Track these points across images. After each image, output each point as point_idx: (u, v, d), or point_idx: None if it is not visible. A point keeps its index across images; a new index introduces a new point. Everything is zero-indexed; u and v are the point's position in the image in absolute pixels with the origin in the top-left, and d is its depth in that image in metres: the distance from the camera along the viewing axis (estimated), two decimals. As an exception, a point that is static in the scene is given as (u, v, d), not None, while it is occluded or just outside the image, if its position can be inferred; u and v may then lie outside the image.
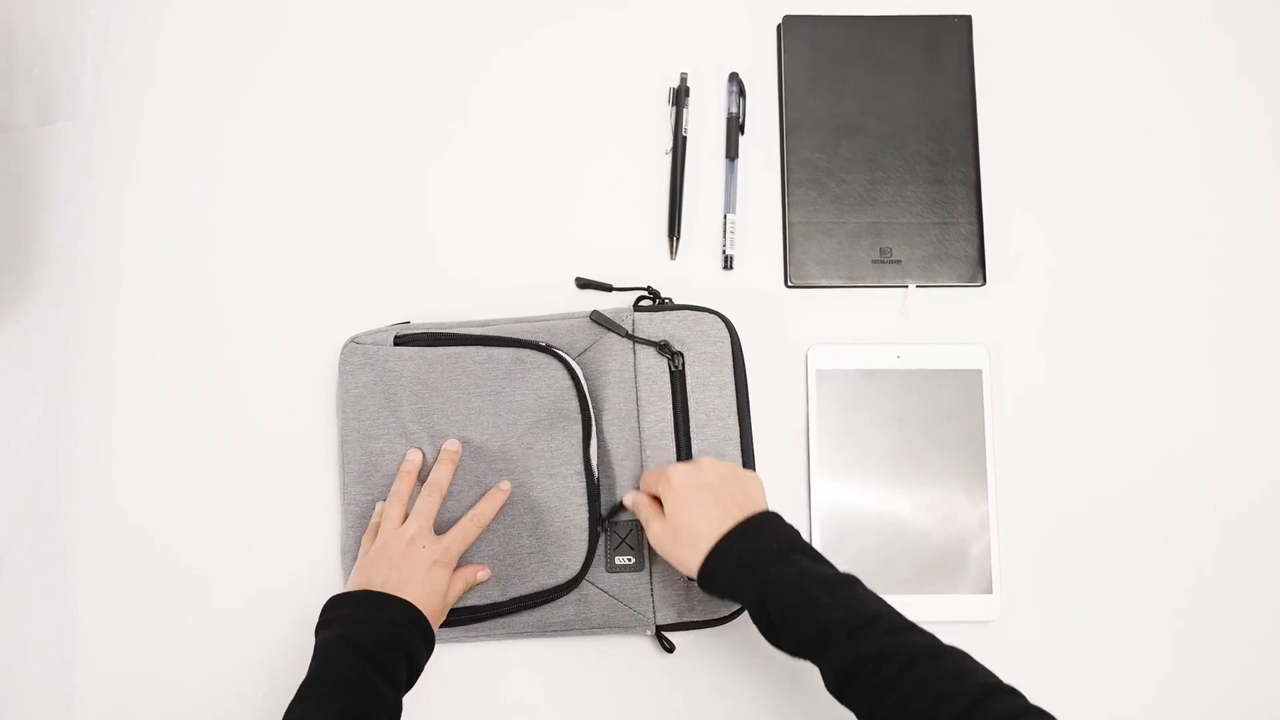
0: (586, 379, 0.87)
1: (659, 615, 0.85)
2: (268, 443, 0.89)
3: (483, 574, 0.84)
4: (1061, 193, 0.94)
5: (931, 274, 0.92)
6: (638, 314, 0.88)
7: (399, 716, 0.72)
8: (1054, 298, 0.93)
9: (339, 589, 0.85)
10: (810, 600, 0.70)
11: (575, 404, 0.86)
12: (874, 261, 0.92)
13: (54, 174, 0.92)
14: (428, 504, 0.82)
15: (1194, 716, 0.87)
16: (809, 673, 0.82)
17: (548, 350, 0.86)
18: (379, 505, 0.85)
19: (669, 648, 0.85)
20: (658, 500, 0.81)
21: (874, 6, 0.96)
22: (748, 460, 0.87)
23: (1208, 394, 0.91)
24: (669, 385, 0.87)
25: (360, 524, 0.85)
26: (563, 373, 0.86)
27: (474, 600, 0.84)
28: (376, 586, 0.76)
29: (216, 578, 0.88)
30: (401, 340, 0.87)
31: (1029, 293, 0.93)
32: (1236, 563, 0.89)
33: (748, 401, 0.88)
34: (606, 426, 0.87)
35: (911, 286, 0.92)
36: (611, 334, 0.88)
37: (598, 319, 0.87)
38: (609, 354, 0.88)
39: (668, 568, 0.84)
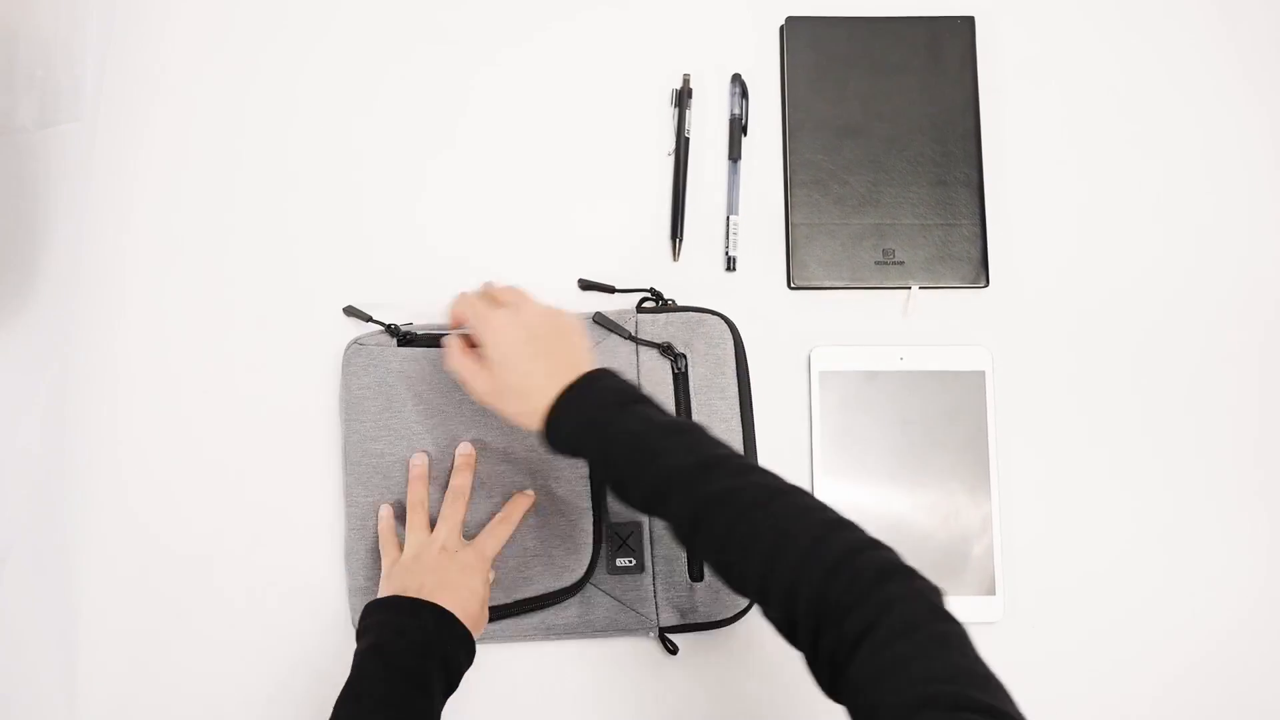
0: None
1: (662, 617, 0.85)
2: (273, 443, 0.89)
3: (492, 574, 0.83)
4: (1064, 194, 0.94)
5: (934, 275, 0.92)
6: (640, 316, 0.88)
7: (438, 714, 0.72)
8: (1057, 299, 0.93)
9: (343, 589, 0.86)
10: (652, 448, 0.68)
11: None
12: (877, 263, 0.92)
13: (57, 176, 0.92)
14: (454, 510, 0.82)
15: (1198, 716, 0.87)
16: (808, 676, 0.81)
17: None
18: (383, 509, 0.85)
19: (672, 649, 0.85)
20: (468, 342, 0.77)
21: (877, 8, 0.96)
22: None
23: (1213, 394, 0.91)
24: (672, 387, 0.87)
25: (363, 526, 0.85)
26: (565, 374, 0.86)
27: None
28: (411, 593, 0.75)
29: (221, 577, 0.88)
30: (406, 341, 0.87)
31: (1032, 294, 0.92)
32: (1240, 563, 0.89)
33: (750, 403, 0.88)
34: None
35: (914, 288, 0.92)
36: (614, 335, 0.88)
37: (600, 320, 0.87)
38: (612, 356, 0.88)
39: (670, 570, 0.85)
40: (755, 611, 0.85)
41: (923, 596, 0.60)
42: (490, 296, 0.79)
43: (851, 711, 0.58)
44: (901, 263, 0.92)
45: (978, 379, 0.90)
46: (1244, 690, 0.87)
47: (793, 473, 0.87)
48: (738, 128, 0.94)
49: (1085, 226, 0.94)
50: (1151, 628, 0.88)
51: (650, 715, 0.85)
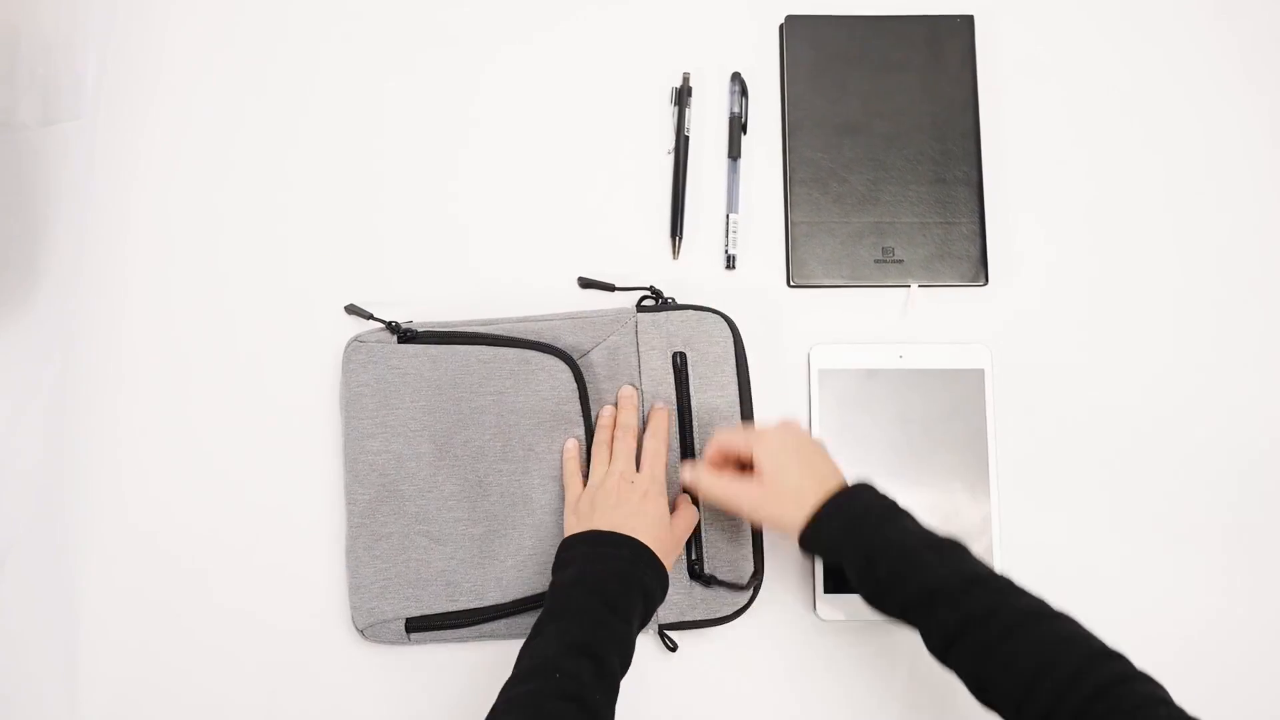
0: (591, 380, 0.88)
1: (661, 614, 0.85)
2: (275, 441, 0.90)
3: (693, 515, 0.84)
4: (1063, 192, 0.94)
5: (934, 274, 0.92)
6: (640, 314, 0.88)
7: (631, 648, 0.74)
8: (1056, 297, 0.93)
9: (343, 586, 0.86)
10: (917, 560, 0.71)
11: (578, 406, 0.86)
12: (876, 261, 0.93)
13: (58, 174, 0.92)
14: (626, 444, 0.84)
15: (1197, 704, 0.87)
16: (808, 673, 0.82)
17: (553, 351, 0.87)
18: (569, 442, 0.86)
19: (672, 646, 0.85)
20: (735, 465, 0.82)
21: (876, 6, 0.96)
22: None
23: (1211, 392, 0.91)
24: (673, 388, 0.88)
25: (361, 522, 0.85)
26: (567, 375, 0.86)
27: (475, 602, 0.84)
28: (604, 528, 0.78)
29: (222, 575, 0.88)
30: (406, 338, 0.87)
31: (1031, 292, 0.93)
32: (1241, 562, 0.89)
33: (750, 401, 0.88)
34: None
35: (914, 286, 0.92)
36: (615, 335, 0.88)
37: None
38: (613, 355, 0.88)
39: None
40: (753, 610, 0.85)
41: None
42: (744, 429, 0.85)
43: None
44: (901, 261, 0.92)
45: (977, 377, 0.90)
46: (1244, 688, 0.87)
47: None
48: (737, 126, 0.94)
49: (1084, 224, 0.94)
50: (1150, 626, 0.88)
51: (649, 712, 0.85)
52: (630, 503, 0.80)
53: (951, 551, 0.73)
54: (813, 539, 0.75)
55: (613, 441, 0.85)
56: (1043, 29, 0.97)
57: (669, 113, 0.95)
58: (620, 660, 0.73)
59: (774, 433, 0.80)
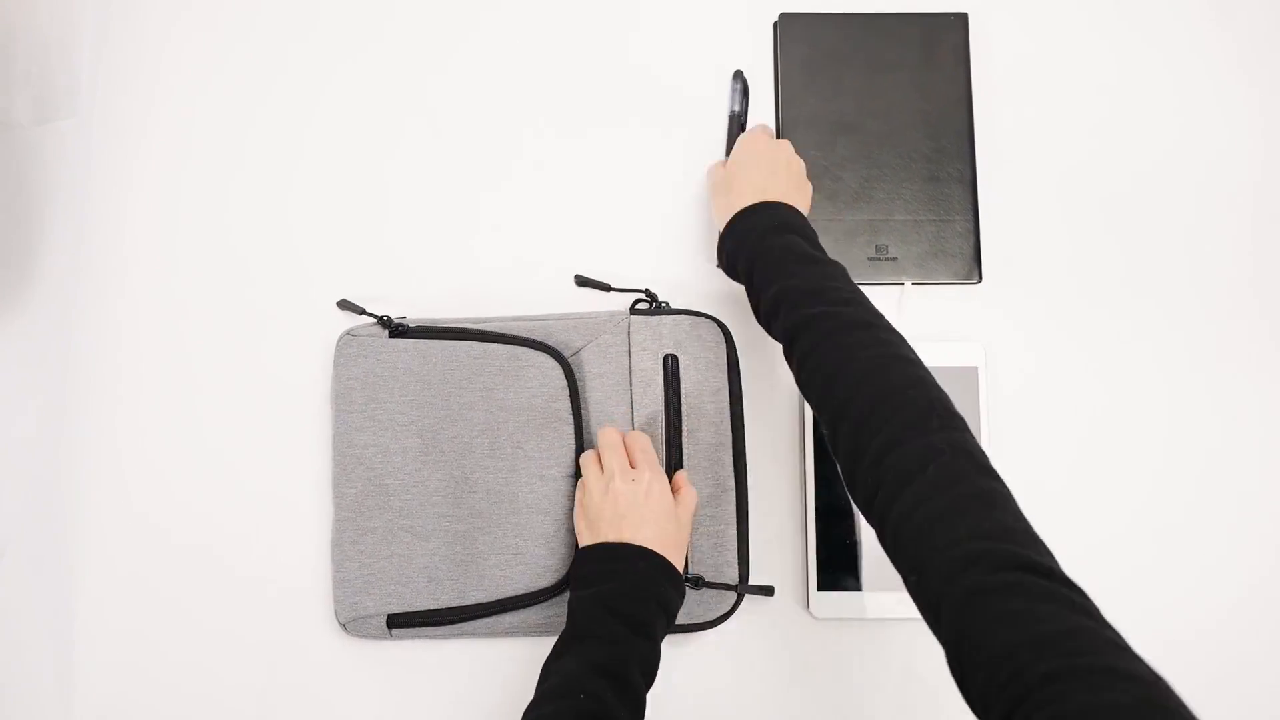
0: (580, 378, 0.87)
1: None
2: (269, 435, 0.90)
3: (694, 493, 0.83)
4: (1057, 190, 0.94)
5: (927, 271, 0.92)
6: (634, 317, 0.88)
7: (655, 661, 0.74)
8: (1049, 295, 0.92)
9: (330, 582, 0.86)
10: (783, 270, 0.74)
11: (568, 405, 0.86)
12: (870, 259, 0.92)
13: (53, 172, 0.92)
14: (615, 453, 0.82)
15: (1191, 698, 0.87)
16: (802, 670, 0.82)
17: (544, 348, 0.87)
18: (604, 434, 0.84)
19: None
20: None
21: (870, 4, 0.96)
22: (739, 469, 0.86)
23: (1205, 389, 0.91)
24: (663, 389, 0.87)
25: (348, 516, 0.85)
26: (557, 372, 0.86)
27: (457, 600, 0.84)
28: (611, 538, 0.77)
29: (217, 568, 0.88)
30: (397, 333, 0.87)
31: (1024, 290, 0.92)
32: (1238, 557, 0.89)
33: (741, 407, 0.88)
34: (597, 427, 0.87)
35: (907, 284, 0.92)
36: (606, 334, 0.88)
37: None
38: (604, 354, 0.88)
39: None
40: (747, 607, 0.85)
41: (964, 449, 0.60)
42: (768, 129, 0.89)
43: (894, 559, 0.60)
44: (895, 259, 0.92)
45: (970, 375, 0.89)
46: (1242, 685, 0.86)
47: (787, 470, 0.89)
48: (736, 125, 0.94)
49: (1078, 222, 0.94)
50: (1147, 624, 0.87)
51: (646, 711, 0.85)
52: (636, 507, 0.78)
53: (818, 265, 0.74)
54: (726, 236, 0.80)
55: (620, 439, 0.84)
56: (1036, 26, 0.97)
57: (667, 110, 0.95)
58: (643, 675, 0.73)
59: (764, 138, 0.85)
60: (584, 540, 0.80)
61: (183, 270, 0.93)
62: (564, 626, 0.75)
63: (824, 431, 0.68)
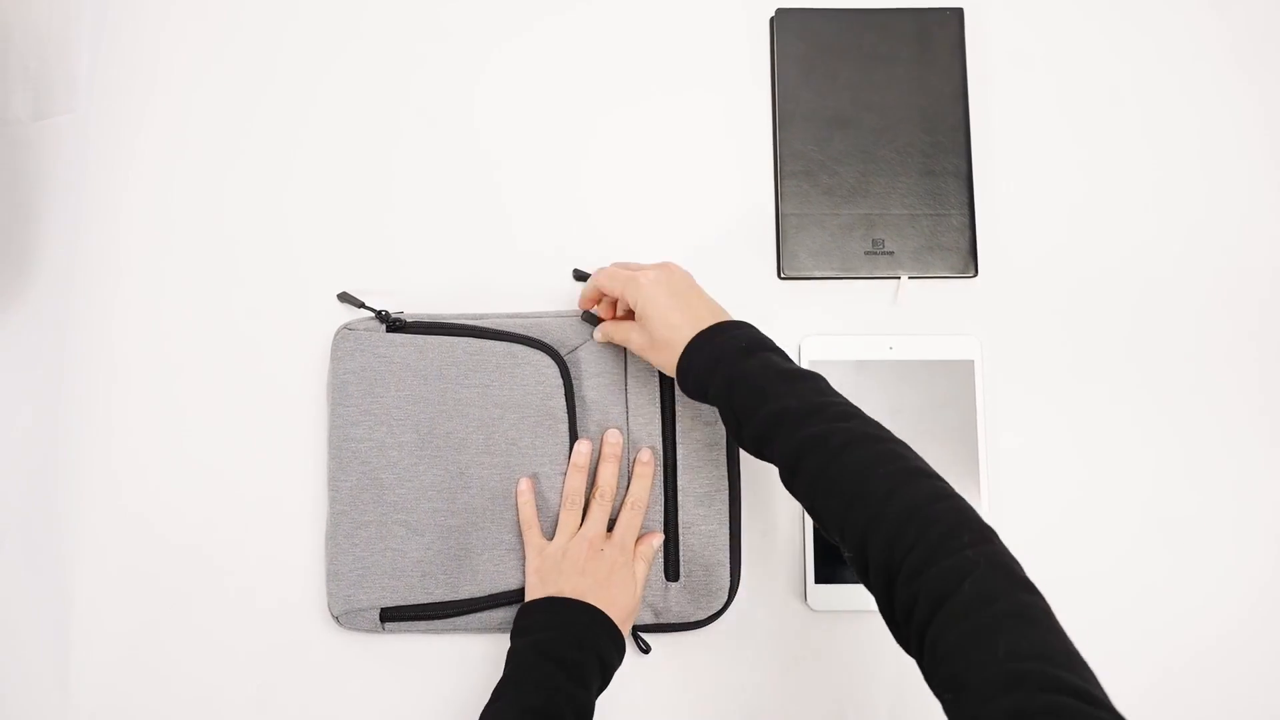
0: (576, 376, 0.87)
1: (639, 615, 0.85)
2: (266, 429, 0.90)
3: (657, 541, 0.84)
4: (1053, 183, 0.94)
5: (924, 265, 0.92)
6: None
7: (590, 712, 0.74)
8: (1046, 288, 0.92)
9: (324, 575, 0.86)
10: (768, 391, 0.71)
11: (563, 403, 0.86)
12: (866, 253, 0.92)
13: (51, 168, 0.93)
14: (601, 509, 0.83)
15: (1187, 701, 0.87)
16: (800, 663, 0.82)
17: (540, 346, 0.87)
18: (522, 483, 0.84)
19: (645, 649, 0.85)
20: (625, 315, 0.83)
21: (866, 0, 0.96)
22: (733, 468, 0.86)
23: (1204, 383, 0.91)
24: (658, 389, 0.87)
25: (343, 510, 0.85)
26: (553, 370, 0.86)
27: (450, 595, 0.84)
28: (566, 594, 0.78)
29: (213, 563, 0.88)
30: (395, 327, 0.87)
31: (1021, 284, 0.92)
32: (1230, 551, 0.89)
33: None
34: (591, 426, 0.87)
35: (904, 278, 0.92)
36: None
37: (589, 319, 0.87)
38: (600, 353, 0.88)
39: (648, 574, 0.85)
40: (727, 615, 0.85)
41: (1001, 563, 0.59)
42: (628, 266, 0.84)
43: (931, 678, 0.58)
44: (891, 253, 0.92)
45: (967, 368, 0.89)
46: (1239, 682, 0.86)
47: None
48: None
49: (1074, 215, 0.93)
50: (1142, 617, 0.88)
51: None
52: (596, 573, 0.79)
53: (805, 381, 0.71)
54: (684, 376, 0.76)
55: (586, 496, 0.84)
56: (1032, 20, 0.97)
57: (656, 106, 0.95)
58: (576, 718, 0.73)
59: (649, 275, 0.79)
60: (532, 594, 0.81)
61: (180, 264, 0.93)
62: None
63: (846, 553, 0.66)
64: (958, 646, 0.56)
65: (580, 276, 0.91)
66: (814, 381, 0.72)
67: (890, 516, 0.62)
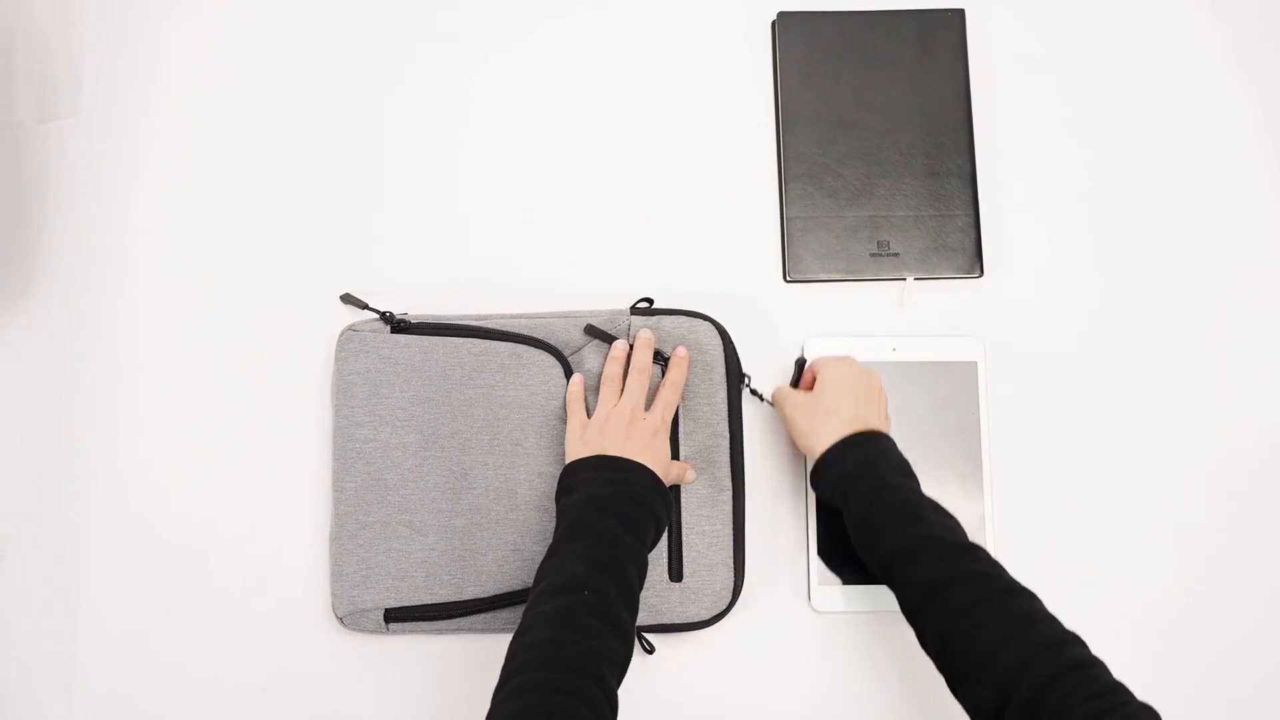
0: None
1: (642, 615, 0.84)
2: (271, 430, 0.90)
3: (690, 474, 0.85)
4: (1057, 184, 0.94)
5: (929, 266, 0.92)
6: (634, 316, 0.88)
7: (645, 568, 0.75)
8: (1050, 289, 0.92)
9: (329, 575, 0.86)
10: (920, 515, 0.75)
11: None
12: (872, 254, 0.92)
13: (55, 171, 0.92)
14: (639, 382, 0.84)
15: (1186, 701, 0.86)
16: (803, 663, 0.81)
17: (544, 347, 0.86)
18: (576, 376, 0.86)
19: (649, 649, 0.85)
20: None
21: (868, 1, 0.96)
22: (736, 470, 0.86)
23: (1206, 385, 0.91)
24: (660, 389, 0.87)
25: (348, 510, 0.85)
26: (558, 370, 0.86)
27: (454, 595, 0.84)
28: (613, 454, 0.79)
29: (217, 564, 0.88)
30: (399, 329, 0.87)
31: (1025, 284, 0.92)
32: (1231, 554, 0.88)
33: (739, 408, 0.87)
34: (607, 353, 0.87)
35: (909, 279, 0.92)
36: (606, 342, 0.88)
37: (591, 332, 0.87)
38: (604, 353, 0.87)
39: (649, 569, 0.84)
40: (731, 615, 0.84)
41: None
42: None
43: None
44: (896, 254, 0.92)
45: (970, 369, 0.89)
46: (1237, 678, 0.86)
47: (788, 464, 0.89)
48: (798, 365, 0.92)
49: (1078, 216, 0.94)
50: (1142, 616, 0.88)
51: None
52: (641, 437, 0.80)
53: (951, 520, 0.75)
54: (831, 465, 0.79)
55: (624, 377, 0.85)
56: (1034, 21, 0.97)
57: (655, 111, 0.95)
58: (639, 577, 0.74)
59: (848, 362, 0.85)
60: (574, 457, 0.81)
61: (183, 266, 0.93)
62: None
63: (969, 690, 0.68)
64: None
65: (592, 332, 0.89)
66: (958, 524, 0.76)
67: (1054, 666, 0.64)
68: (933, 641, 0.71)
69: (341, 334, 0.88)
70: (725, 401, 0.87)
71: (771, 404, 0.88)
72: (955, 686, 0.69)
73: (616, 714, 0.67)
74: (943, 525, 0.74)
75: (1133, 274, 0.93)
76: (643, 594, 0.83)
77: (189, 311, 0.92)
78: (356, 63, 0.96)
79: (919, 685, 0.85)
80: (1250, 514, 0.89)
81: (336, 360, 0.88)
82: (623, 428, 0.80)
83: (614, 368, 0.85)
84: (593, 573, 0.71)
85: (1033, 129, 0.95)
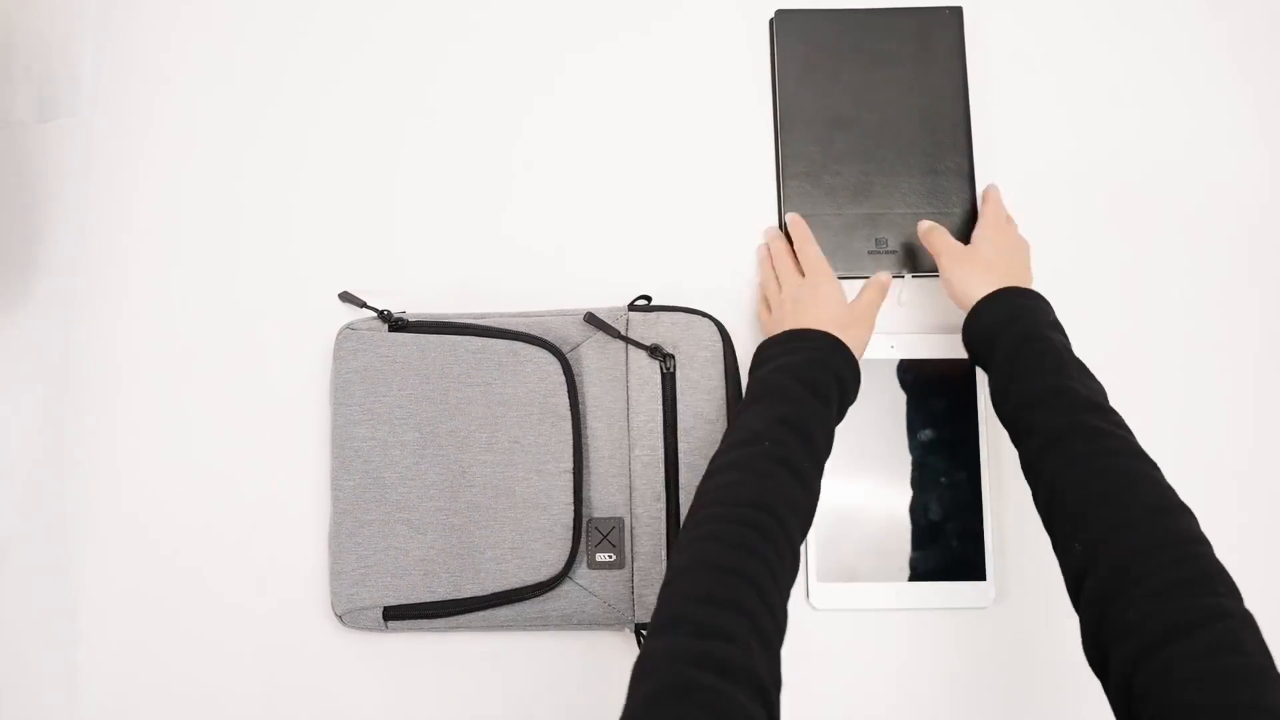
0: (578, 373, 0.87)
1: (638, 613, 0.84)
2: (268, 431, 0.90)
3: (884, 275, 0.86)
4: (1054, 181, 0.94)
5: (927, 263, 0.92)
6: (632, 313, 0.88)
7: (833, 430, 0.76)
8: (1047, 286, 0.92)
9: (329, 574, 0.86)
10: (1062, 367, 0.74)
11: (565, 400, 0.86)
12: (870, 252, 0.93)
13: (55, 169, 0.93)
14: (784, 263, 0.88)
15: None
16: (802, 660, 0.81)
17: (542, 344, 0.86)
18: (764, 253, 0.91)
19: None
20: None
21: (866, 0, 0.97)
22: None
23: (1205, 383, 0.91)
24: (659, 386, 0.87)
25: (346, 509, 0.85)
26: (555, 367, 0.86)
27: (452, 593, 0.84)
28: (794, 327, 0.81)
29: (214, 561, 0.88)
30: (397, 327, 0.88)
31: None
32: (1231, 554, 0.88)
33: (738, 405, 0.86)
34: (594, 423, 0.87)
35: (907, 276, 0.92)
36: (603, 333, 0.88)
37: (591, 320, 0.87)
38: (602, 351, 0.88)
39: (649, 566, 0.84)
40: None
41: (1253, 625, 0.59)
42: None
43: (1130, 697, 0.58)
44: (894, 252, 0.92)
45: (968, 366, 0.90)
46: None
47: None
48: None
49: (1075, 214, 0.94)
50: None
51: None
52: (807, 297, 0.83)
53: (1094, 380, 0.75)
54: (985, 309, 0.80)
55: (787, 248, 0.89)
56: (1032, 19, 0.97)
57: (659, 107, 0.96)
58: (824, 438, 0.74)
59: (1010, 227, 0.88)
60: (768, 333, 0.84)
61: (185, 265, 0.93)
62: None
63: (1070, 545, 0.67)
64: (1197, 683, 0.55)
65: (593, 320, 0.89)
66: (1102, 389, 0.75)
67: (1152, 533, 0.63)
68: (1043, 494, 0.70)
69: (340, 332, 0.88)
70: (724, 399, 0.87)
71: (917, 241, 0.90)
72: (1056, 547, 0.68)
73: (798, 561, 0.68)
74: (1082, 382, 0.73)
75: (1130, 272, 0.93)
76: (639, 591, 0.84)
77: (189, 310, 0.92)
78: (357, 63, 0.96)
79: (917, 684, 0.85)
80: (1251, 513, 0.89)
81: (335, 359, 0.88)
82: (790, 299, 0.84)
83: (778, 244, 0.89)
84: (772, 426, 0.72)
85: (1030, 126, 0.95)
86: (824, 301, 0.82)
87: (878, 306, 0.85)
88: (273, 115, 0.95)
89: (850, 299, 0.85)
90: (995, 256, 0.84)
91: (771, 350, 0.80)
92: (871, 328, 0.84)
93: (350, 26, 0.97)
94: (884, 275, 0.86)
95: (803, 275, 0.86)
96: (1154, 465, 0.67)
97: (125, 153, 0.94)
